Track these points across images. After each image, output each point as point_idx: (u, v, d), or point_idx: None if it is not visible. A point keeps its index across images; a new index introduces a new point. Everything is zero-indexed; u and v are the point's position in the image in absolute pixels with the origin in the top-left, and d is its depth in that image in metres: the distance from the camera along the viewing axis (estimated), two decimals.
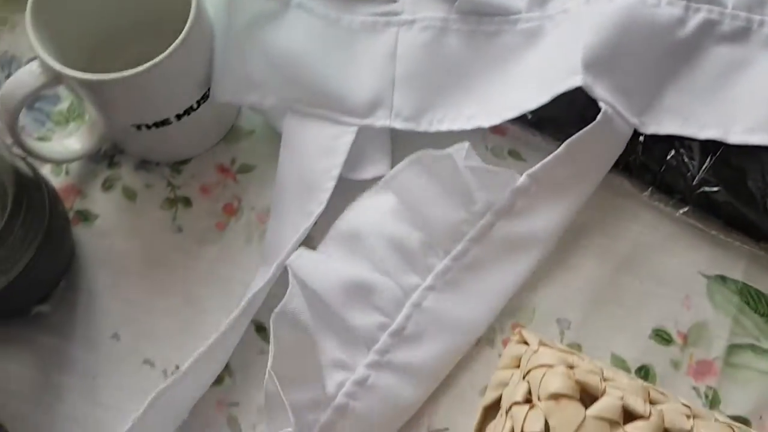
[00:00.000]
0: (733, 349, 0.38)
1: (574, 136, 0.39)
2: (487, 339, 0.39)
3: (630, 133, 0.40)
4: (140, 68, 0.36)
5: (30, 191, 0.36)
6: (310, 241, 0.41)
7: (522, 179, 0.40)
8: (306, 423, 0.37)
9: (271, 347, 0.36)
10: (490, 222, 0.40)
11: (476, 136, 0.43)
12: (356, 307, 0.38)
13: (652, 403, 0.33)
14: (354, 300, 0.38)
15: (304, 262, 0.38)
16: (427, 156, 0.39)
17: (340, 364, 0.38)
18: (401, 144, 0.43)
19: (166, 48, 0.36)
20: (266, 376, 0.35)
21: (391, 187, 0.40)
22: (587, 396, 0.32)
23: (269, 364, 0.35)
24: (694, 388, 0.38)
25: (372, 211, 0.40)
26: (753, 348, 0.38)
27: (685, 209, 0.40)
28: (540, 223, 0.40)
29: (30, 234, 0.35)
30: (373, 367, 0.38)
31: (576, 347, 0.39)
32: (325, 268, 0.39)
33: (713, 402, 0.37)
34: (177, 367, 0.39)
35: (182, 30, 0.36)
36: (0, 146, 0.36)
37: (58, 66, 0.36)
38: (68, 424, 0.38)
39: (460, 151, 0.40)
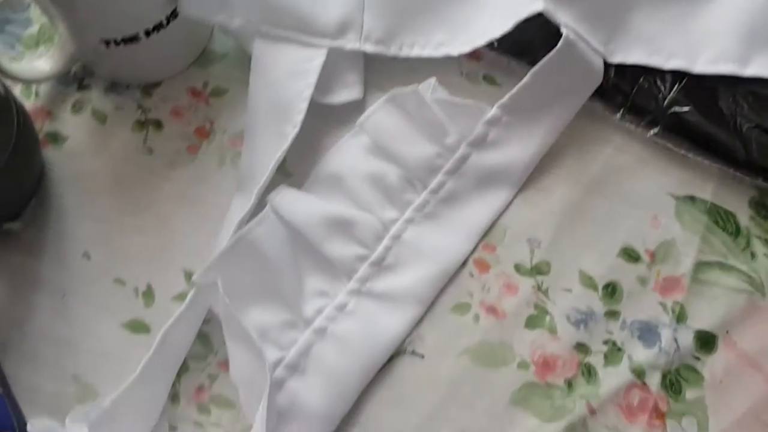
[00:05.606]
0: (700, 266, 0.39)
1: (538, 64, 0.39)
2: None
3: (601, 62, 0.40)
4: None
5: None
6: (284, 167, 0.41)
7: (493, 111, 0.40)
8: (281, 343, 0.37)
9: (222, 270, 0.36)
10: (465, 154, 0.40)
11: (451, 61, 0.43)
12: (336, 240, 0.38)
13: None
14: (334, 233, 0.38)
15: (285, 198, 0.38)
16: (397, 95, 0.40)
17: (320, 292, 0.38)
18: (376, 71, 0.43)
19: None
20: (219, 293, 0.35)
21: (365, 128, 0.40)
22: None
23: (220, 285, 0.35)
24: (661, 304, 0.38)
25: (350, 153, 0.40)
26: (720, 265, 0.39)
27: (656, 130, 0.40)
28: (514, 153, 0.40)
29: None
30: (353, 294, 0.38)
31: (546, 265, 0.39)
32: (306, 204, 0.39)
33: (680, 317, 0.38)
34: (148, 286, 0.39)
35: None
36: None
37: None
38: (39, 342, 0.38)
39: (427, 86, 0.40)
